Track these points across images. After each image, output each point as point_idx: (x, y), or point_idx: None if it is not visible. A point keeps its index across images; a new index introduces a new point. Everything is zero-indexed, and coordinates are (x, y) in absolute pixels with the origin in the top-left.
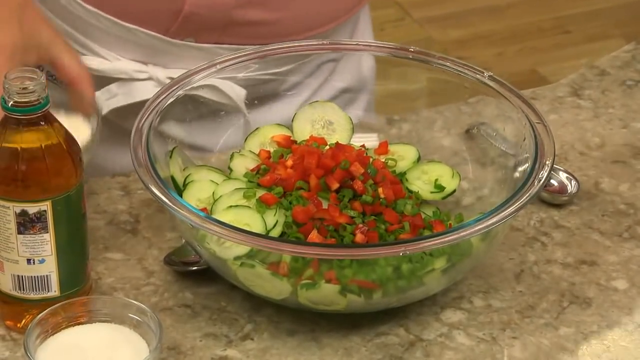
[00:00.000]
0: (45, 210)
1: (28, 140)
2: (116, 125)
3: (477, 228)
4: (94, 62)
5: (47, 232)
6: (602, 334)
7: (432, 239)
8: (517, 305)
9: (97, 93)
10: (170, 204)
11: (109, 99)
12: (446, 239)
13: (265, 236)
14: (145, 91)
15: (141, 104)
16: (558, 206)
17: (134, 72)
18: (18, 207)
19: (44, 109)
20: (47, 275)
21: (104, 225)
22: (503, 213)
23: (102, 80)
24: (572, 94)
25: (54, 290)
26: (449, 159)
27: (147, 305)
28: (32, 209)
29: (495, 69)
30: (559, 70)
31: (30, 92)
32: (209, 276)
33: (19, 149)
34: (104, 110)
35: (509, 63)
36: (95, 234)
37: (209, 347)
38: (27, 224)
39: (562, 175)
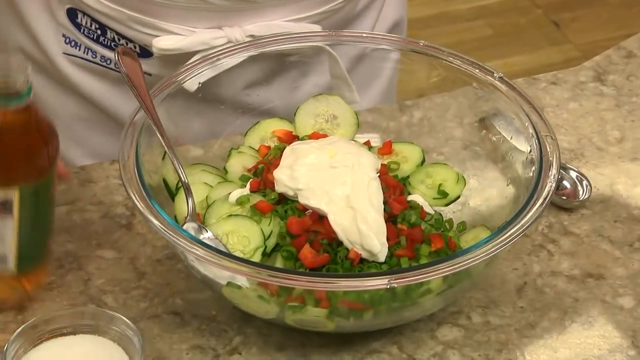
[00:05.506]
0: (11, 197)
1: (3, 123)
2: (204, 99)
3: (471, 258)
4: (169, 42)
5: (11, 218)
6: (602, 358)
7: (422, 269)
8: (517, 323)
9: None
10: (154, 221)
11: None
12: (437, 271)
13: (251, 262)
14: None
15: (234, 71)
16: (569, 210)
17: (212, 40)
18: None
19: (26, 99)
20: (4, 255)
21: (99, 218)
22: (500, 240)
23: (180, 57)
24: (595, 79)
25: (10, 267)
26: (459, 152)
27: (136, 311)
28: None
29: None
30: None
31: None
32: (200, 281)
33: None
34: (194, 87)
35: None
36: (88, 229)
37: None
38: None
39: (576, 177)
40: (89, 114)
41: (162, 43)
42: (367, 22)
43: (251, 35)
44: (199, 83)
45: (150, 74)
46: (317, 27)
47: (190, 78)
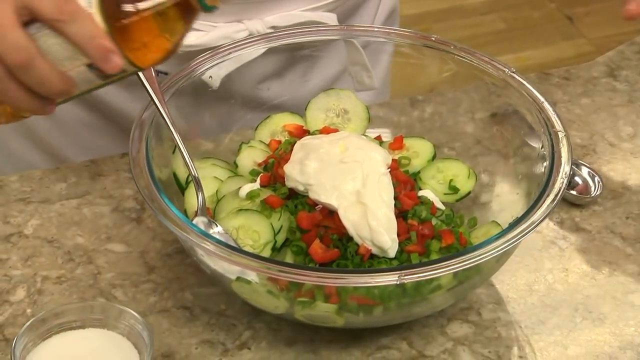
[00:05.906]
0: (127, 72)
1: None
2: (215, 93)
3: (482, 254)
4: (191, 38)
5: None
6: (613, 356)
7: (432, 265)
8: (527, 319)
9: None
10: (163, 215)
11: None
12: (448, 267)
13: (261, 257)
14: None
15: (248, 65)
16: (580, 206)
17: (234, 33)
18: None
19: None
20: None
21: (109, 212)
22: (511, 236)
23: (199, 54)
24: (608, 75)
25: None
26: (471, 147)
27: (145, 305)
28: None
29: None
30: None
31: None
32: (210, 275)
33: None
34: (217, 83)
35: None
36: (99, 222)
37: (204, 356)
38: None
39: (587, 173)
40: (95, 119)
41: (185, 40)
42: (370, 9)
43: (272, 27)
44: (210, 76)
45: (166, 73)
46: (332, 16)
47: (200, 72)
